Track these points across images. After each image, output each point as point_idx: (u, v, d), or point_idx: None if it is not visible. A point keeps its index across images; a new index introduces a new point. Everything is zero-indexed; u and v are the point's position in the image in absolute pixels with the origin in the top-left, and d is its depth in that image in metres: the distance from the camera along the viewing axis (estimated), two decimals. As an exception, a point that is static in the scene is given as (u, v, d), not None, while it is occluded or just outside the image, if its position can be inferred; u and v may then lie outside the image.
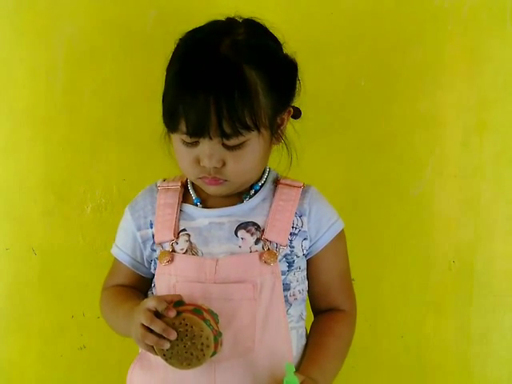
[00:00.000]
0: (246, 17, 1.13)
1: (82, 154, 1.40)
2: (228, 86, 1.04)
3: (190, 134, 1.05)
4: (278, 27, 1.14)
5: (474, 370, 1.46)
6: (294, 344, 1.12)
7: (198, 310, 0.99)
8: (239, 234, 1.11)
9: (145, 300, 1.02)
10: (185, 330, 0.98)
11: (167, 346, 0.97)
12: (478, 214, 1.43)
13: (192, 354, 0.98)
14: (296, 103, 1.19)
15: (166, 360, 0.99)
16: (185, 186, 1.17)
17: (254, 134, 1.06)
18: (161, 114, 1.21)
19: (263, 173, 1.17)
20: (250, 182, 1.14)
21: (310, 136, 1.32)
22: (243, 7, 1.18)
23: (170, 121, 1.07)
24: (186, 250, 1.11)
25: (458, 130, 1.42)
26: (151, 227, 1.14)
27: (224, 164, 1.07)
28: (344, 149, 1.41)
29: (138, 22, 1.37)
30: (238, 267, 1.09)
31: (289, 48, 1.16)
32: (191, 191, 1.16)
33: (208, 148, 1.06)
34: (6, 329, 1.43)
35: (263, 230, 1.11)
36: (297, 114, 1.18)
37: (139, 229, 1.15)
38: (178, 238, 1.12)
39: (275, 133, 1.12)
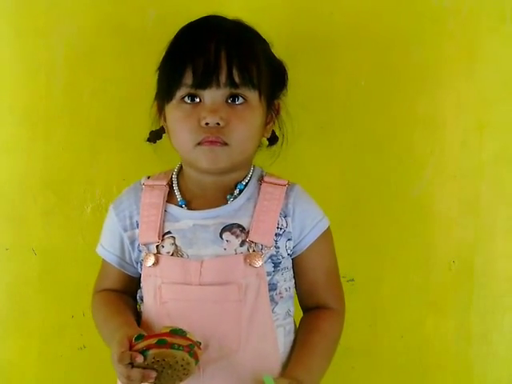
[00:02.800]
0: (248, 17, 1.14)
1: (82, 153, 1.40)
2: (238, 40, 1.07)
3: (196, 83, 1.05)
4: (277, 27, 1.15)
5: (473, 370, 1.46)
6: (281, 341, 1.12)
7: (161, 341, 0.98)
8: (224, 236, 1.10)
9: (112, 351, 1.01)
10: (160, 364, 0.98)
11: (152, 379, 0.98)
12: (478, 214, 1.43)
13: (178, 375, 0.99)
14: (296, 103, 1.19)
15: None
16: (170, 185, 1.16)
17: (256, 96, 1.08)
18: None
19: (248, 171, 1.16)
20: (244, 156, 1.12)
21: (310, 136, 1.32)
22: (243, 7, 1.19)
23: (173, 77, 1.07)
24: (172, 253, 1.10)
25: (457, 130, 1.42)
26: (138, 227, 1.14)
27: (226, 124, 1.06)
28: (344, 149, 1.41)
29: (138, 22, 1.37)
30: (222, 269, 1.08)
31: (288, 48, 1.16)
32: (176, 192, 1.15)
33: (212, 103, 1.06)
34: (5, 329, 1.43)
35: (248, 232, 1.10)
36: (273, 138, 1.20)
37: (125, 229, 1.14)
38: (163, 240, 1.11)
39: (271, 110, 1.14)
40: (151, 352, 0.98)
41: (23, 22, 1.36)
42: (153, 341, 0.99)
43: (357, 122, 1.40)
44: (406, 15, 1.39)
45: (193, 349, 1.00)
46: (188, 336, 1.01)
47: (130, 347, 0.99)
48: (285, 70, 1.17)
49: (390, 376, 1.46)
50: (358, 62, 1.39)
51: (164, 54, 1.14)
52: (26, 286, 1.42)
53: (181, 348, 0.98)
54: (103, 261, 1.19)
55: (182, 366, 0.98)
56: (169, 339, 0.99)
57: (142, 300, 1.15)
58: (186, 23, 1.13)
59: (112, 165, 1.40)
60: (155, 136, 1.21)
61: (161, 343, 0.98)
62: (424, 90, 1.40)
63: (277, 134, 1.20)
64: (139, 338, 1.00)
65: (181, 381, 1.00)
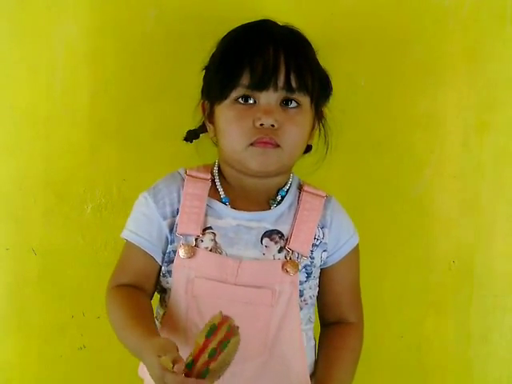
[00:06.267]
0: (247, 17, 1.14)
1: (82, 153, 1.40)
2: (295, 45, 1.09)
3: (254, 84, 1.05)
4: (278, 27, 1.14)
5: (473, 370, 1.46)
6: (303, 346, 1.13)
7: (212, 352, 0.95)
8: (264, 241, 1.11)
9: (157, 373, 0.92)
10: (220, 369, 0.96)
11: None
12: (478, 214, 1.43)
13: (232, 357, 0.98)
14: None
15: None
16: (212, 181, 1.15)
17: (308, 101, 1.10)
18: (162, 113, 1.21)
19: (288, 177, 1.17)
20: (291, 161, 1.13)
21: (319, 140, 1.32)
22: (244, 7, 1.19)
23: (229, 77, 1.07)
24: (211, 249, 1.10)
25: (457, 130, 1.42)
26: (177, 215, 1.12)
27: (280, 127, 1.07)
28: (344, 149, 1.41)
29: (138, 22, 1.36)
30: (259, 272, 1.09)
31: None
32: (220, 188, 1.15)
33: (267, 104, 1.06)
34: (5, 329, 1.42)
35: (287, 239, 1.11)
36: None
37: (165, 217, 1.12)
38: (203, 234, 1.10)
39: (316, 117, 1.16)
40: (212, 367, 0.94)
41: (23, 22, 1.36)
42: (204, 357, 0.95)
43: (357, 121, 1.40)
44: (407, 15, 1.39)
45: (232, 326, 0.97)
46: (217, 322, 0.97)
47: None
48: (328, 78, 1.18)
49: (389, 376, 1.46)
50: (358, 61, 1.39)
51: (215, 53, 1.14)
52: (26, 286, 1.41)
53: (228, 340, 0.96)
54: (128, 249, 1.14)
55: (235, 349, 0.97)
56: (215, 345, 0.95)
57: (163, 292, 1.14)
58: (239, 25, 1.13)
59: (112, 165, 1.40)
60: (193, 135, 1.21)
61: (213, 354, 0.95)
62: (424, 90, 1.41)
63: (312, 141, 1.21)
64: (189, 365, 0.95)
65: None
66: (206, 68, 1.16)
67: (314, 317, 1.18)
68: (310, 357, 1.15)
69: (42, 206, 1.40)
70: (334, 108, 1.38)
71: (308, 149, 1.20)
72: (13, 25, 1.36)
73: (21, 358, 1.43)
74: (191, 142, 1.22)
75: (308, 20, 1.38)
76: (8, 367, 1.43)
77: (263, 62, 1.05)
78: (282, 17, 1.17)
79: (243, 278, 1.08)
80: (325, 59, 1.37)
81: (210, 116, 1.15)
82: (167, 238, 1.12)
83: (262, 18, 1.14)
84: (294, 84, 1.07)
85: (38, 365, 1.43)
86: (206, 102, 1.15)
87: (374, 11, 1.38)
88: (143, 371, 1.13)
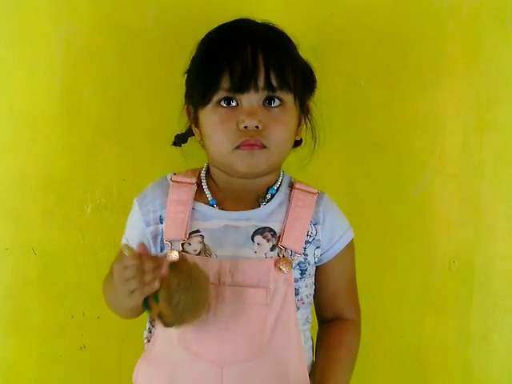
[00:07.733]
0: (248, 16, 1.13)
1: (82, 153, 1.40)
2: (273, 43, 1.08)
3: (234, 87, 1.05)
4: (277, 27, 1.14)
5: (473, 370, 1.46)
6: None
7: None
8: (255, 239, 1.10)
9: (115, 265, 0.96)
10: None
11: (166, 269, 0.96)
12: (478, 214, 1.43)
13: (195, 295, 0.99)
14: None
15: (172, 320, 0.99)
16: (199, 184, 1.15)
17: (291, 98, 1.09)
18: (161, 113, 1.21)
19: (278, 175, 1.17)
20: (280, 159, 1.13)
21: (310, 136, 1.32)
22: (243, 7, 1.19)
23: (209, 81, 1.06)
24: (200, 252, 1.09)
25: (457, 130, 1.42)
26: (161, 222, 1.12)
27: (264, 127, 1.06)
28: (344, 149, 1.41)
29: (138, 22, 1.36)
30: (252, 272, 1.08)
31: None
32: (206, 191, 1.14)
33: (250, 106, 1.06)
34: (5, 329, 1.43)
35: (279, 237, 1.10)
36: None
37: (148, 224, 1.13)
38: (189, 238, 1.10)
39: (302, 112, 1.15)
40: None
41: (23, 21, 1.36)
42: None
43: (357, 121, 1.40)
44: (406, 15, 1.39)
45: None
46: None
47: None
48: (312, 71, 1.18)
49: (389, 376, 1.46)
50: (357, 62, 1.39)
51: (194, 57, 1.14)
52: (26, 286, 1.41)
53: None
54: (119, 253, 1.16)
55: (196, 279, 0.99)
56: None
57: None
58: (216, 26, 1.13)
59: (112, 165, 1.40)
60: (181, 139, 1.21)
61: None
62: (424, 90, 1.41)
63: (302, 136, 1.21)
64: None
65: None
66: (188, 72, 1.16)
67: (312, 317, 1.18)
68: (308, 357, 1.14)
69: (42, 206, 1.40)
70: (333, 107, 1.39)
71: (297, 143, 1.20)
72: (12, 24, 1.36)
73: (21, 357, 1.43)
74: (180, 146, 1.22)
75: (308, 20, 1.38)
76: (8, 367, 1.44)
77: (242, 64, 1.05)
78: (281, 17, 1.17)
79: (236, 278, 1.07)
80: (325, 59, 1.37)
81: (195, 120, 1.14)
82: (150, 245, 1.12)
83: (240, 18, 1.13)
84: (274, 82, 1.06)
85: (38, 365, 1.44)
86: (190, 106, 1.15)
87: (374, 11, 1.38)
88: (137, 376, 1.14)
